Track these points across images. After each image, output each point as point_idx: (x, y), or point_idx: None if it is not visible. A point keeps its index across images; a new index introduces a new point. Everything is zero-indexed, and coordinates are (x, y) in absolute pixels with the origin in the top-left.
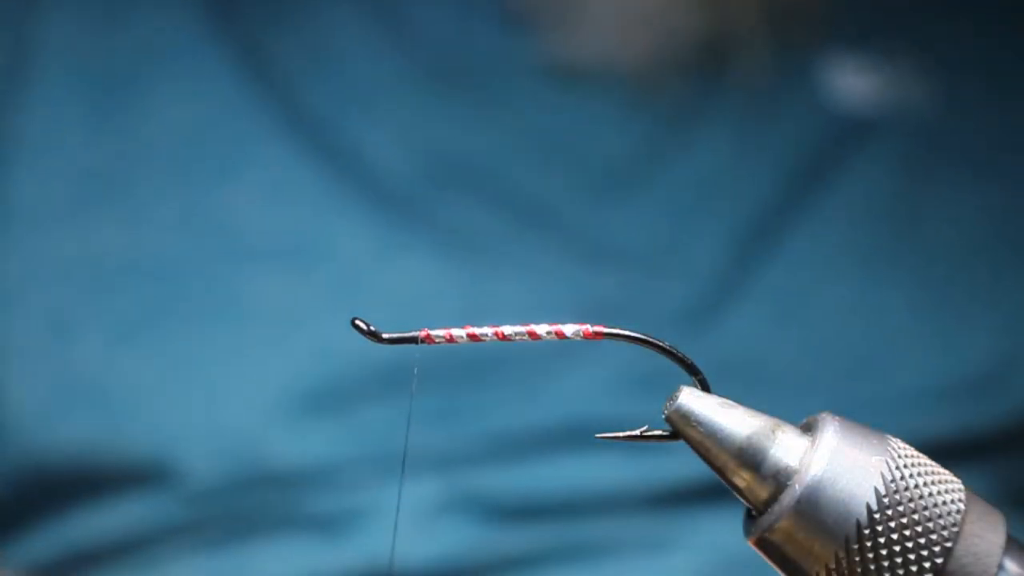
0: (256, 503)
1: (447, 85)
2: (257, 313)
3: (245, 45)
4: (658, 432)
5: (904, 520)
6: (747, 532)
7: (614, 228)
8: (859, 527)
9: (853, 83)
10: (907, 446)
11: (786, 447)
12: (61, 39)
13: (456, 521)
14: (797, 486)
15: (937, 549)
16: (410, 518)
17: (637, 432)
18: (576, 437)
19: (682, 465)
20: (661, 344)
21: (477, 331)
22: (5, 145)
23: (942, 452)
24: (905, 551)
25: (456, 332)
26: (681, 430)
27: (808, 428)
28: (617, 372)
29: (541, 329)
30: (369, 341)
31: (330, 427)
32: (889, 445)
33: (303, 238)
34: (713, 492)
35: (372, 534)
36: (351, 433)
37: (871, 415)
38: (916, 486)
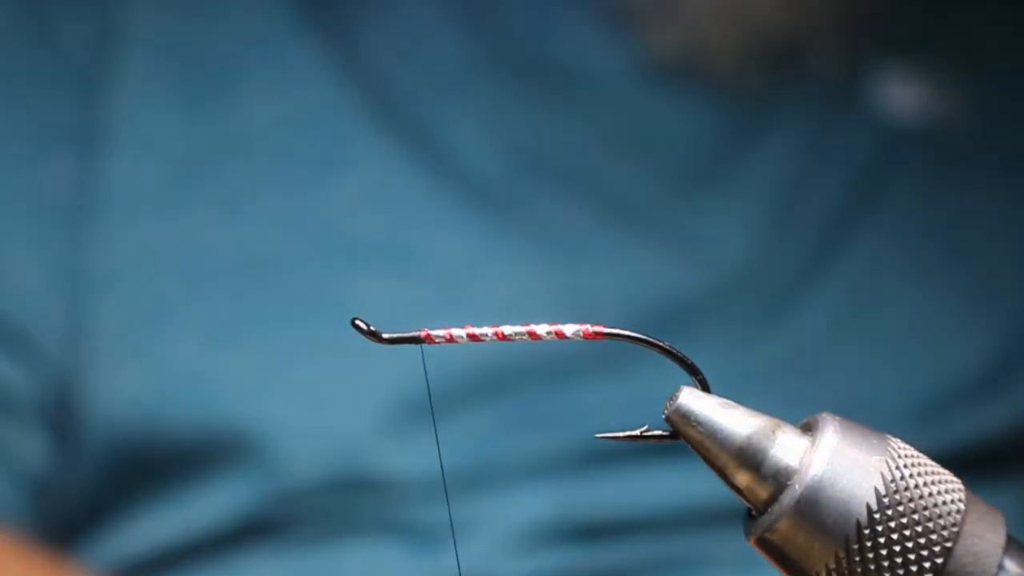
0: (351, 507)
1: (538, 82)
2: (358, 314)
3: (338, 38)
4: (658, 432)
5: (904, 520)
6: (747, 532)
7: (703, 225)
8: (859, 527)
9: (914, 91)
10: (907, 446)
11: (786, 447)
12: (152, 28)
13: (551, 537)
14: (797, 486)
15: (937, 549)
16: (503, 532)
17: (637, 432)
18: (669, 446)
19: None
20: (661, 344)
21: (477, 331)
22: (98, 135)
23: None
24: (905, 551)
25: (456, 332)
26: (681, 430)
27: (808, 428)
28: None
29: (541, 329)
30: (370, 341)
31: (430, 434)
32: (889, 445)
33: (403, 239)
34: None
35: (467, 547)
36: (450, 441)
37: (926, 412)
38: (916, 486)
